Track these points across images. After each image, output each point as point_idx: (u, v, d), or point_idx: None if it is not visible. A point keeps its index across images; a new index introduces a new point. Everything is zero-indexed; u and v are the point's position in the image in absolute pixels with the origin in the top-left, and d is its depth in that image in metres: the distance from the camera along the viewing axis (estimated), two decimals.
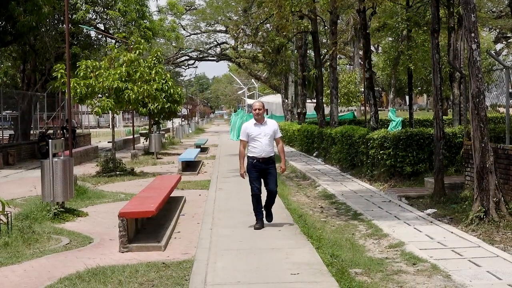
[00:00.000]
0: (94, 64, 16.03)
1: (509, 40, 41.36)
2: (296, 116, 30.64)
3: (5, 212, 8.39)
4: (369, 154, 14.15)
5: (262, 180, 8.66)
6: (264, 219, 8.72)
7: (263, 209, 8.66)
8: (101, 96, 16.41)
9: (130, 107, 17.33)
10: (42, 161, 9.99)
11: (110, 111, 16.35)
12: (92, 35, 29.38)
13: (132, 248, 7.57)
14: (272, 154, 8.61)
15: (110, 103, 15.68)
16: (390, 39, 27.08)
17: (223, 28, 43.69)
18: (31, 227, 8.62)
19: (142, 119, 66.41)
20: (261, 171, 8.56)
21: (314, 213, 10.35)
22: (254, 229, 8.43)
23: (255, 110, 8.62)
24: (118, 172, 16.60)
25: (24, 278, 6.44)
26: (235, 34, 36.08)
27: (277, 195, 9.00)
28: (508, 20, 31.96)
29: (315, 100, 27.60)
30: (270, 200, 8.75)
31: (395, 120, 28.78)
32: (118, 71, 15.81)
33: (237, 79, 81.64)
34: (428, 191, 11.45)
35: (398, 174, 13.15)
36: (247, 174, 8.62)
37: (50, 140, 10.07)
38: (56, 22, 27.42)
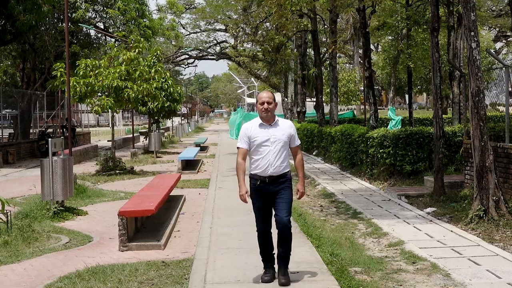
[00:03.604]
0: (93, 63, 16.04)
1: (508, 39, 41.33)
2: (296, 115, 30.63)
3: (5, 211, 8.40)
4: (368, 152, 14.15)
5: (271, 208, 5.94)
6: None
7: (274, 254, 5.98)
8: (100, 95, 16.42)
9: (130, 106, 17.33)
10: (42, 160, 9.99)
11: (109, 110, 16.36)
12: (91, 34, 29.42)
13: (131, 247, 7.57)
14: (286, 170, 5.90)
15: (110, 102, 15.68)
16: (390, 37, 27.06)
17: (223, 27, 43.64)
18: (30, 226, 8.62)
19: (141, 118, 66.44)
20: (269, 197, 5.84)
21: (314, 211, 10.34)
22: (262, 282, 5.84)
23: (262, 103, 5.82)
24: (117, 171, 16.60)
25: (24, 277, 6.45)
26: (234, 33, 36.09)
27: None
28: (507, 19, 31.92)
29: (314, 99, 27.59)
30: (283, 245, 5.83)
31: (395, 118, 28.84)
32: (118, 70, 15.81)
33: (236, 78, 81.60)
34: (427, 190, 11.45)
35: (397, 173, 13.15)
36: (249, 195, 5.89)
37: (49, 139, 10.07)
38: (55, 21, 27.44)
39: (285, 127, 5.91)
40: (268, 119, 5.86)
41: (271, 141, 5.80)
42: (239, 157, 5.89)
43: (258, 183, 5.81)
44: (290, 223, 5.85)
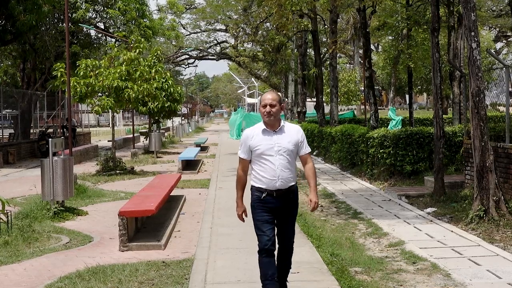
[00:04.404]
0: (94, 63, 16.04)
1: (509, 39, 41.34)
2: (296, 115, 30.64)
3: (5, 211, 8.40)
4: (369, 153, 14.15)
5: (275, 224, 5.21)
6: None
7: (276, 278, 5.13)
8: (101, 95, 16.42)
9: (130, 106, 17.34)
10: (42, 160, 10.00)
11: (110, 110, 16.37)
12: (92, 34, 29.44)
13: (132, 247, 7.57)
14: (293, 183, 5.14)
15: (110, 102, 15.69)
16: (390, 38, 27.06)
17: (223, 27, 43.65)
18: (31, 226, 8.63)
19: (142, 118, 66.45)
20: (274, 211, 5.12)
21: (314, 212, 10.33)
22: None
23: (265, 106, 5.09)
24: (118, 171, 16.60)
25: (24, 277, 6.45)
26: (235, 33, 36.08)
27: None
28: (508, 19, 31.93)
29: (315, 99, 27.60)
30: (284, 260, 5.33)
31: (395, 119, 28.83)
32: (118, 70, 15.82)
33: (237, 78, 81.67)
34: (428, 190, 11.45)
35: (398, 173, 13.15)
36: (246, 214, 5.25)
37: (50, 139, 10.07)
38: (56, 21, 27.47)
39: (292, 134, 5.13)
40: (272, 125, 5.10)
41: (275, 151, 5.04)
42: (239, 168, 5.24)
43: (264, 195, 5.07)
44: (293, 246, 5.34)
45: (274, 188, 5.05)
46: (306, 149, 5.21)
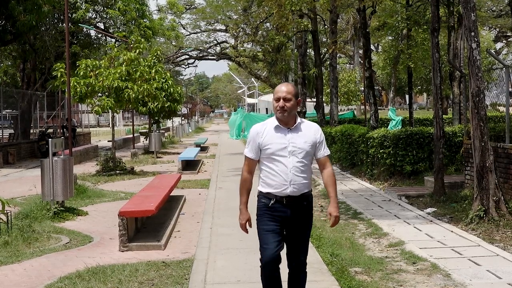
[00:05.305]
0: (94, 63, 16.04)
1: (509, 39, 41.33)
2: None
3: (5, 211, 8.39)
4: (369, 153, 14.16)
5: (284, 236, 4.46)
6: None
7: None
8: (101, 95, 16.43)
9: (130, 106, 17.34)
10: (42, 160, 10.00)
11: (110, 110, 16.37)
12: (92, 34, 29.46)
13: (132, 247, 7.57)
14: (307, 190, 4.45)
15: (110, 102, 15.69)
16: (390, 38, 27.07)
17: (223, 27, 43.64)
18: (31, 226, 8.63)
19: (142, 118, 66.47)
20: (283, 221, 4.39)
21: (314, 212, 10.26)
22: None
23: (278, 99, 4.37)
24: (118, 171, 16.61)
25: (24, 277, 6.45)
26: (235, 33, 36.11)
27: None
28: (508, 19, 31.92)
29: (315, 99, 27.60)
30: None
31: (395, 119, 28.84)
32: (118, 70, 15.82)
33: (237, 78, 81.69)
34: (428, 190, 11.45)
35: (398, 173, 13.16)
36: (250, 224, 4.49)
37: (50, 139, 10.07)
38: (56, 21, 27.49)
39: (309, 133, 4.43)
40: (287, 121, 4.38)
41: (289, 151, 4.33)
42: (245, 170, 4.47)
43: (272, 202, 4.36)
44: (306, 265, 4.52)
45: (284, 195, 4.34)
46: (324, 150, 4.49)
